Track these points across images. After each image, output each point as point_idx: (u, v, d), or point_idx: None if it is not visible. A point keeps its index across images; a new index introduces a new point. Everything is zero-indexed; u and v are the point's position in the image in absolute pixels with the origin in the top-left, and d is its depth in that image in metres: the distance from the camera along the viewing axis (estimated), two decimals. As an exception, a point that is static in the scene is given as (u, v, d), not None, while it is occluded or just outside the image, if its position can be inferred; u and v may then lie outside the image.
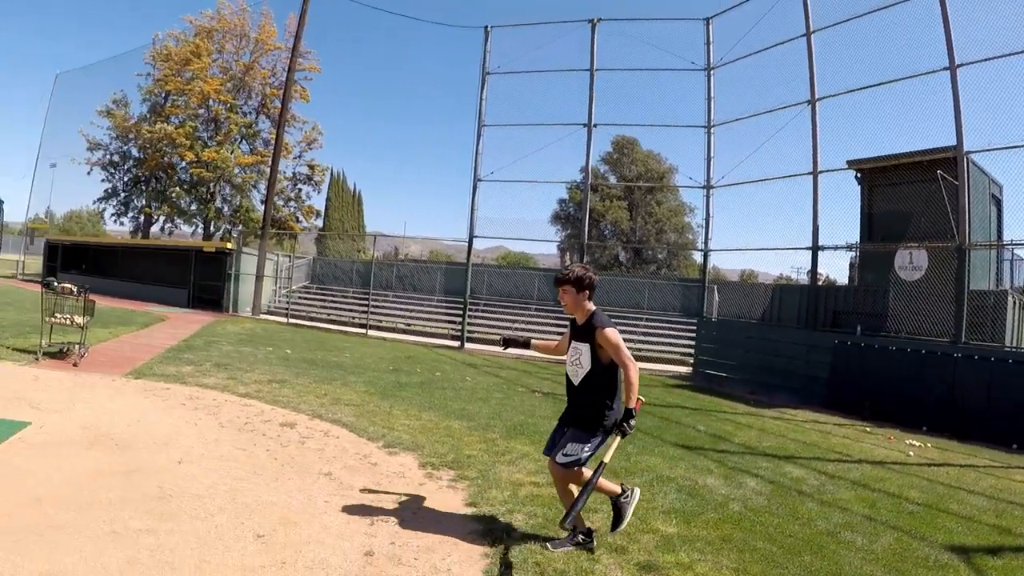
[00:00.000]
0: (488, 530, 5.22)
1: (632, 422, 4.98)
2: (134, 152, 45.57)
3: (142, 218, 46.31)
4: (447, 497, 6.02)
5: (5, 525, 4.62)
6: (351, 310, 29.20)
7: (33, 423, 7.41)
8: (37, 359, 11.65)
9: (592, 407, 5.10)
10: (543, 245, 64.88)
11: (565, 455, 5.02)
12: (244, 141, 43.88)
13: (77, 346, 12.25)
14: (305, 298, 32.05)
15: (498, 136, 23.23)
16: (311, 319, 27.76)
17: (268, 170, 35.64)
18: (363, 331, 24.70)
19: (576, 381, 5.20)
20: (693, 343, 19.78)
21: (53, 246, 43.28)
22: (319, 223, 47.71)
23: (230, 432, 7.89)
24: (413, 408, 10.11)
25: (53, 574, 4.01)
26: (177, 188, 42.79)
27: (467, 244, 23.34)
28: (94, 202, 47.73)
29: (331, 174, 49.18)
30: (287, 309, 28.65)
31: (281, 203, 42.22)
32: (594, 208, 43.81)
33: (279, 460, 6.84)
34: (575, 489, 5.03)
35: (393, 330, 25.78)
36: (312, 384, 11.56)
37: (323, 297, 32.39)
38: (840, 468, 8.41)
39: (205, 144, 41.90)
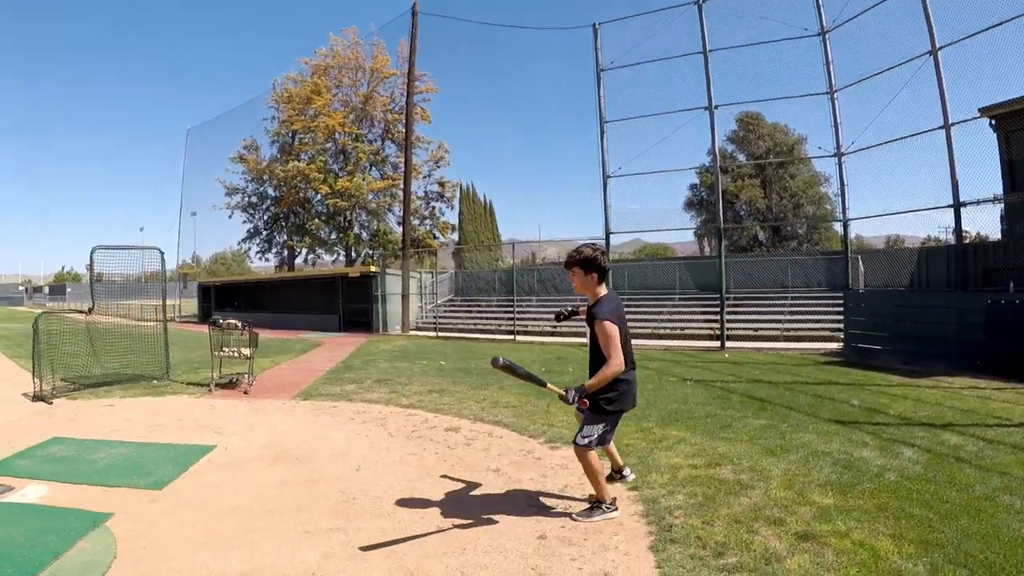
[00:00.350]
0: (651, 510, 5.47)
1: (576, 397, 5.06)
2: (270, 192, 48.13)
3: (286, 252, 48.54)
4: (610, 484, 6.26)
5: (209, 534, 5.23)
6: (497, 318, 29.62)
7: (218, 446, 8.17)
8: (210, 390, 12.58)
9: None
10: (679, 233, 64.02)
11: (583, 436, 5.36)
12: (373, 167, 45.23)
13: (245, 376, 13.10)
14: (450, 311, 32.68)
15: (622, 130, 23.07)
16: (459, 331, 28.30)
17: (400, 193, 36.68)
18: (511, 337, 25.09)
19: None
20: (841, 318, 19.36)
21: (205, 288, 46.24)
22: (455, 237, 48.85)
23: (400, 440, 8.39)
24: (568, 405, 10.39)
25: (258, 571, 4.55)
26: (315, 220, 44.71)
27: (604, 241, 23.37)
28: (239, 242, 50.87)
29: (461, 188, 50.14)
30: (435, 323, 29.36)
31: (417, 222, 43.07)
32: (726, 189, 42.92)
33: (448, 461, 7.27)
34: (595, 465, 5.41)
35: (540, 333, 25.92)
36: (470, 391, 11.96)
37: (468, 308, 32.93)
38: (999, 433, 8.13)
39: (337, 175, 43.48)
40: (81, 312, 15.03)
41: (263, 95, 47.49)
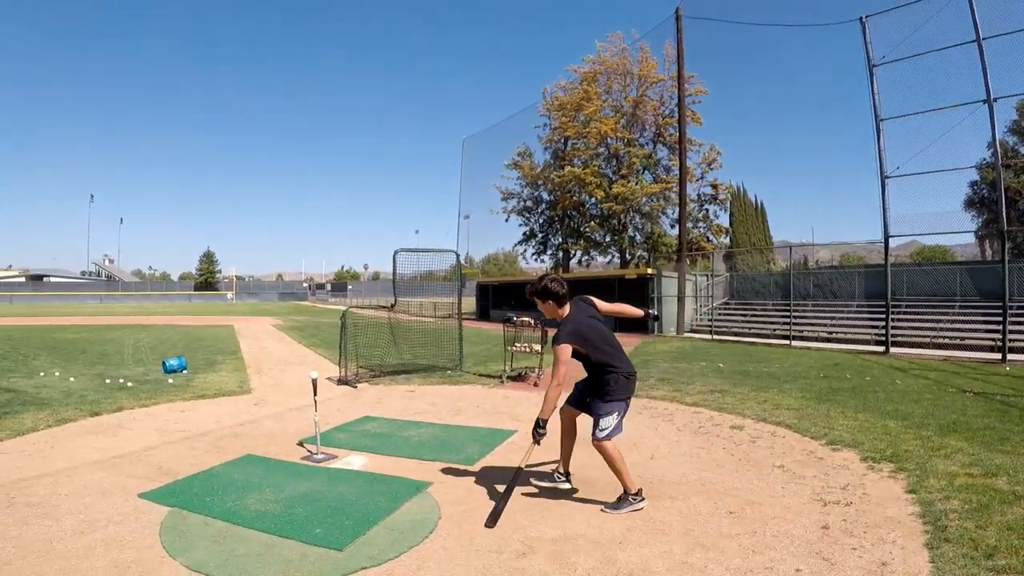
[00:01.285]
0: (927, 512, 5.53)
1: (541, 431, 5.72)
2: (545, 196, 49.82)
3: (560, 254, 50.10)
4: (888, 485, 6.36)
5: (522, 505, 5.90)
6: (772, 322, 28.85)
7: (518, 431, 8.96)
8: (502, 381, 13.54)
9: (593, 387, 5.99)
10: (958, 235, 58.63)
11: (600, 429, 5.77)
12: (646, 171, 45.44)
13: (534, 369, 13.99)
14: (725, 314, 32.28)
15: (897, 128, 21.82)
16: (734, 334, 27.94)
17: (673, 195, 37.05)
18: (786, 342, 24.47)
19: None
20: None
21: (483, 287, 48.93)
22: (727, 240, 48.32)
23: (687, 434, 8.79)
24: (849, 410, 10.29)
25: (570, 537, 5.13)
26: (590, 223, 45.82)
27: (883, 244, 22.22)
28: (514, 245, 53.22)
29: (732, 190, 49.62)
30: (710, 326, 29.18)
31: (690, 225, 42.81)
32: (1010, 186, 38.13)
33: (735, 456, 7.58)
34: (615, 456, 5.77)
35: (816, 339, 25.10)
36: (751, 392, 12.10)
37: (743, 312, 32.31)
38: None
39: (610, 180, 44.19)
40: (384, 308, 16.61)
41: (534, 104, 49.30)
